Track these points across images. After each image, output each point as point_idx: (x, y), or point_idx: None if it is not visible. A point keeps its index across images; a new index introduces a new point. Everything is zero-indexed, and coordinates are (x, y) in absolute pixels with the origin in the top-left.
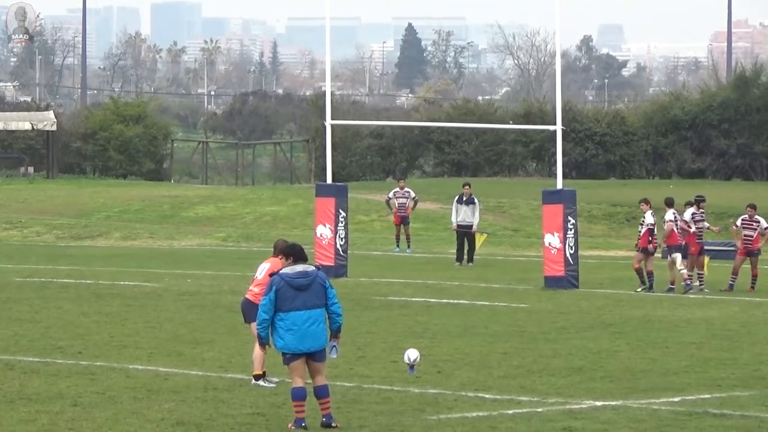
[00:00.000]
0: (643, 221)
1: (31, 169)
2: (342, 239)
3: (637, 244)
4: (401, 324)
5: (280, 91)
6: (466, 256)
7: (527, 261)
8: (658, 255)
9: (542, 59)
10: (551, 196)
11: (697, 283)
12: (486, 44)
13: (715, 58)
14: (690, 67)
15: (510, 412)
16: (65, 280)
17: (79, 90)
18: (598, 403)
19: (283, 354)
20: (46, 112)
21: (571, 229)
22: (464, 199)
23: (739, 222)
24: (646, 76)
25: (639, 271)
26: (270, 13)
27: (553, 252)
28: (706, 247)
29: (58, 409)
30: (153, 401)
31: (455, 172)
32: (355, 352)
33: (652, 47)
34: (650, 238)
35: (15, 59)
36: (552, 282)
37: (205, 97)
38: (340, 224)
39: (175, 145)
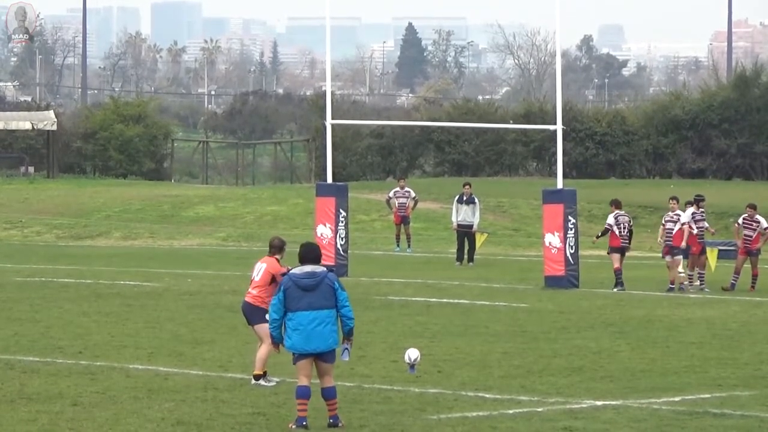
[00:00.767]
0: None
1: (31, 169)
2: (342, 239)
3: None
4: (401, 323)
5: (281, 90)
6: (466, 256)
7: (527, 261)
8: (657, 254)
9: (542, 59)
10: (551, 196)
11: (698, 283)
12: (486, 44)
13: (715, 58)
14: (690, 66)
15: (510, 411)
16: (65, 280)
17: (80, 90)
18: (599, 403)
19: (292, 353)
20: (46, 112)
21: (571, 229)
22: (464, 198)
23: (740, 221)
24: (646, 76)
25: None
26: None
27: (553, 251)
28: (709, 247)
29: (58, 409)
30: (153, 401)
31: (455, 172)
32: (355, 351)
33: (652, 47)
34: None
35: (15, 59)
36: (552, 281)
37: (206, 96)
38: (340, 224)
39: (175, 144)
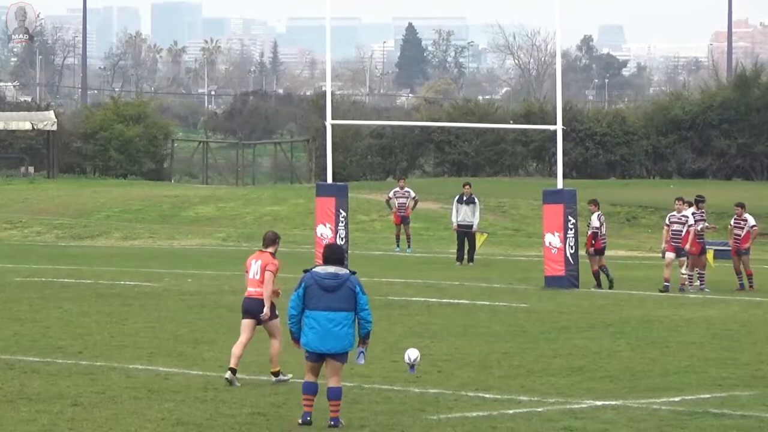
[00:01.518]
0: (590, 223)
1: (31, 169)
2: (342, 239)
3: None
4: (401, 324)
5: (281, 91)
6: (466, 256)
7: (528, 261)
8: (657, 254)
9: (542, 59)
10: (552, 196)
11: (698, 283)
12: (486, 44)
13: (715, 58)
14: (690, 67)
15: (510, 411)
16: (65, 280)
17: (80, 90)
18: (599, 403)
19: (305, 351)
20: (46, 112)
21: (571, 229)
22: (464, 198)
23: (732, 222)
24: (646, 76)
25: (596, 274)
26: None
27: (553, 252)
28: (708, 247)
29: (58, 409)
30: (153, 401)
31: (455, 172)
32: (355, 352)
33: (652, 47)
34: (593, 241)
35: (15, 59)
36: (552, 282)
37: (206, 96)
38: (340, 224)
39: (175, 144)
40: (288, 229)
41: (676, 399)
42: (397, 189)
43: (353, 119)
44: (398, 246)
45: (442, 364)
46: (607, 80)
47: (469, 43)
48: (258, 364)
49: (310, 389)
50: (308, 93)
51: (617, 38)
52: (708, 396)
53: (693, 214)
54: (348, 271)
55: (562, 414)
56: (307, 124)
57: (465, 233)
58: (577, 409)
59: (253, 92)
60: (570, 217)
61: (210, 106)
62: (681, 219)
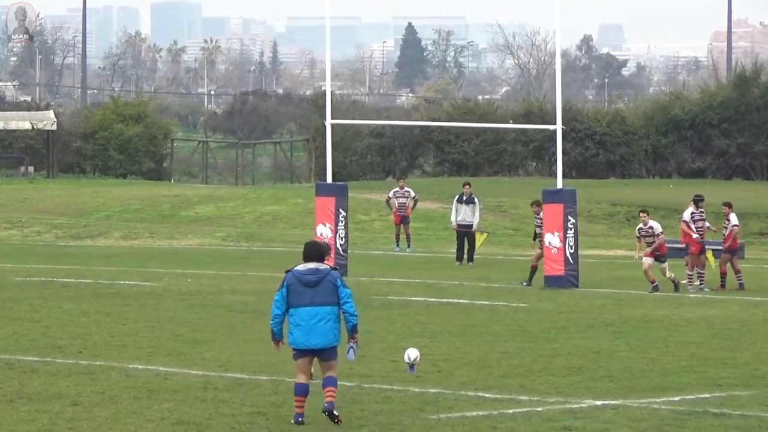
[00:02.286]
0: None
1: (31, 169)
2: (342, 238)
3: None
4: (401, 323)
5: (280, 90)
6: (466, 256)
7: (527, 260)
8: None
9: (542, 59)
10: (551, 196)
11: (697, 283)
12: (486, 44)
13: (715, 58)
14: (690, 66)
15: (510, 411)
16: (65, 280)
17: (79, 89)
18: (598, 403)
19: (293, 349)
20: (46, 112)
21: (571, 229)
22: (464, 198)
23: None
24: (646, 76)
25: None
26: (270, 12)
27: (553, 251)
28: (707, 247)
29: (58, 409)
30: (153, 401)
31: (455, 172)
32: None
33: (652, 47)
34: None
35: (15, 59)
36: (552, 281)
37: (205, 96)
38: (340, 224)
39: (175, 144)
40: (288, 228)
41: (676, 399)
42: (397, 189)
43: (353, 119)
44: (398, 245)
45: (441, 363)
46: (606, 80)
47: (468, 42)
48: (257, 363)
49: (301, 390)
50: (308, 93)
51: (617, 38)
52: (708, 396)
53: (692, 213)
54: (328, 267)
55: (562, 413)
56: (307, 124)
57: (465, 233)
58: (577, 409)
59: (252, 92)
60: (570, 217)
61: (210, 105)
62: (648, 231)
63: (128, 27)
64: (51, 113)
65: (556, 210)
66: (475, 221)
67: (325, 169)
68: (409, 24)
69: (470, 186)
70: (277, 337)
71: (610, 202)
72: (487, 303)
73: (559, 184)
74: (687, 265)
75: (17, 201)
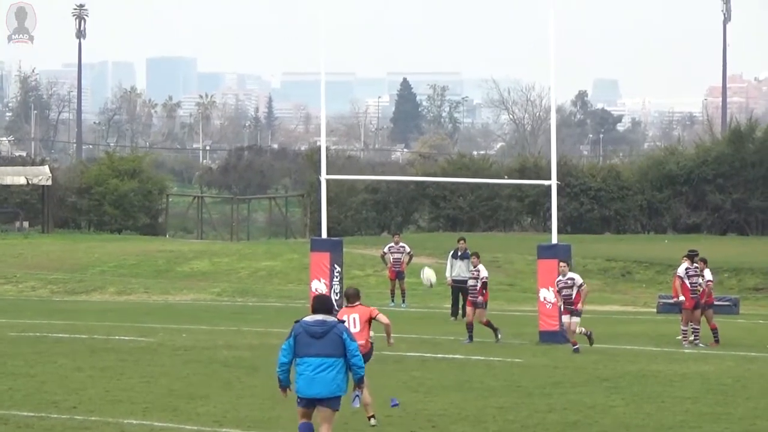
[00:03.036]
0: (478, 275)
1: (26, 224)
2: (337, 294)
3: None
4: (396, 378)
5: (276, 145)
6: (461, 311)
7: (522, 316)
8: (652, 309)
9: (537, 114)
10: (546, 251)
11: (692, 338)
12: (481, 99)
13: (710, 113)
14: (685, 121)
15: None
16: (60, 335)
17: (75, 145)
18: None
19: (297, 397)
20: (41, 167)
21: None
22: (459, 253)
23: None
24: (641, 131)
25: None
26: (265, 68)
27: (548, 306)
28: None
29: None
30: None
31: (450, 227)
32: (349, 406)
33: (647, 102)
34: (484, 291)
35: (10, 114)
36: (547, 337)
37: (201, 151)
38: (335, 279)
39: (170, 199)
40: (283, 284)
41: None
42: (392, 244)
43: (348, 174)
44: (393, 301)
45: (437, 419)
46: (601, 135)
47: (463, 98)
48: (253, 419)
49: (306, 428)
50: (303, 148)
51: (612, 93)
52: None
53: (687, 269)
54: (336, 319)
55: None
56: (302, 179)
57: (459, 288)
58: None
59: (247, 147)
60: None
61: (205, 160)
62: (567, 282)
63: (123, 82)
64: (46, 168)
65: (551, 265)
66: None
67: (320, 224)
68: (404, 79)
69: (465, 241)
70: (284, 384)
71: (605, 258)
72: (482, 358)
73: (554, 240)
74: (681, 320)
75: (12, 256)
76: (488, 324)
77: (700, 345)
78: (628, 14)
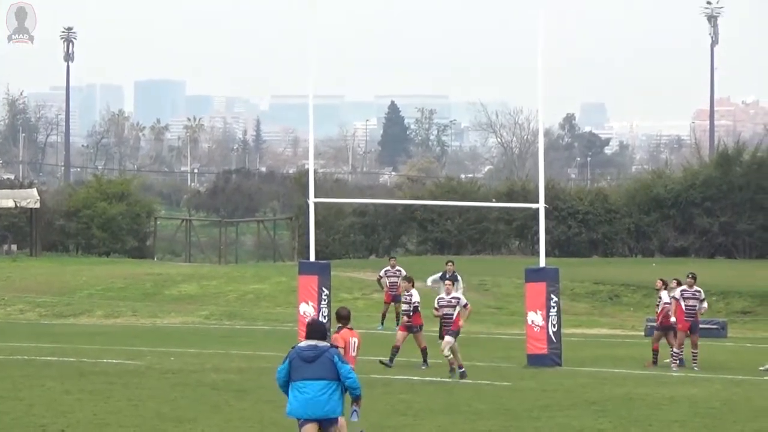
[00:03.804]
0: (410, 299)
1: (14, 247)
2: (325, 317)
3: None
4: (384, 402)
5: (264, 168)
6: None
7: (510, 339)
8: (640, 332)
9: (525, 137)
10: (534, 274)
11: (669, 360)
12: (469, 122)
13: (697, 136)
14: (672, 145)
15: None
16: (48, 358)
17: (63, 168)
18: None
19: (297, 420)
20: (29, 190)
21: (554, 307)
22: (447, 276)
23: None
24: (628, 154)
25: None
26: (253, 91)
27: (536, 330)
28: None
29: None
30: None
31: (438, 250)
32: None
33: (634, 125)
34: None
35: None
36: (535, 360)
37: (189, 174)
38: (323, 302)
39: (158, 222)
40: (271, 307)
41: None
42: (388, 268)
43: (336, 197)
44: (382, 324)
45: None
46: (589, 158)
47: (451, 121)
48: None
49: None
50: (291, 171)
51: (600, 116)
52: None
53: (683, 291)
54: (328, 344)
55: None
56: (290, 202)
57: None
58: None
59: (236, 170)
60: (552, 296)
61: (193, 184)
62: (451, 301)
63: (111, 105)
64: (34, 191)
65: (539, 288)
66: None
67: (308, 247)
68: (392, 102)
69: (453, 264)
70: (282, 384)
71: (593, 281)
72: (470, 382)
73: (542, 263)
74: (674, 343)
75: (0, 279)
76: (424, 350)
77: (695, 368)
78: (616, 37)
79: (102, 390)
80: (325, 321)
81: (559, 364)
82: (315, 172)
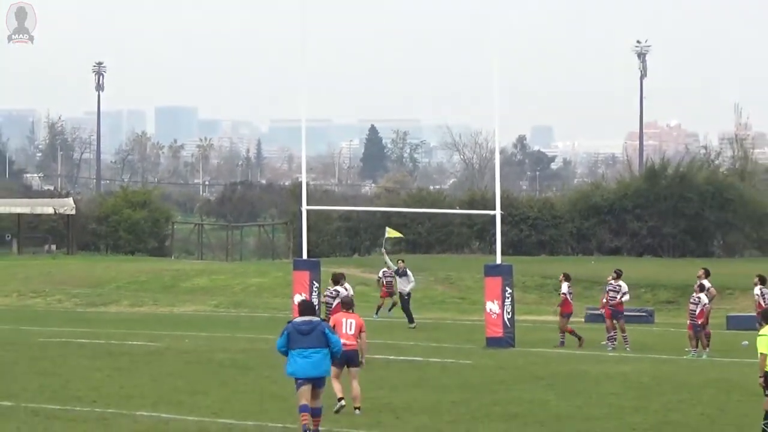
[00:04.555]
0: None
1: (53, 247)
2: (315, 305)
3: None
4: (365, 378)
5: (264, 181)
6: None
7: (472, 324)
8: (580, 319)
9: (484, 155)
10: (492, 270)
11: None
12: (436, 142)
13: (629, 154)
14: (608, 161)
15: None
16: (82, 340)
17: (95, 180)
18: None
19: (296, 380)
20: (66, 199)
21: (508, 298)
22: (399, 271)
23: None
24: (571, 169)
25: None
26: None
27: (493, 317)
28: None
29: None
30: None
31: (411, 250)
32: (325, 402)
33: (576, 145)
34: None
35: (40, 154)
36: (493, 342)
37: (201, 186)
38: (313, 293)
39: (175, 226)
40: (270, 297)
41: None
42: (386, 269)
43: (325, 205)
44: (377, 314)
45: (400, 411)
46: (538, 173)
47: (422, 141)
48: (246, 411)
49: (305, 409)
50: (287, 183)
51: (547, 137)
52: None
53: (607, 284)
54: (319, 319)
55: None
56: (286, 209)
57: (402, 300)
58: None
59: (240, 182)
60: (507, 288)
61: (204, 194)
62: (332, 293)
63: (136, 127)
64: (70, 200)
65: (496, 282)
66: (409, 287)
67: (301, 247)
68: (372, 125)
69: (404, 262)
70: (282, 352)
71: (541, 275)
72: (438, 360)
73: (498, 261)
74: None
75: (41, 274)
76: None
77: (609, 348)
78: (562, 71)
79: (127, 367)
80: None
81: (513, 346)
82: (307, 184)
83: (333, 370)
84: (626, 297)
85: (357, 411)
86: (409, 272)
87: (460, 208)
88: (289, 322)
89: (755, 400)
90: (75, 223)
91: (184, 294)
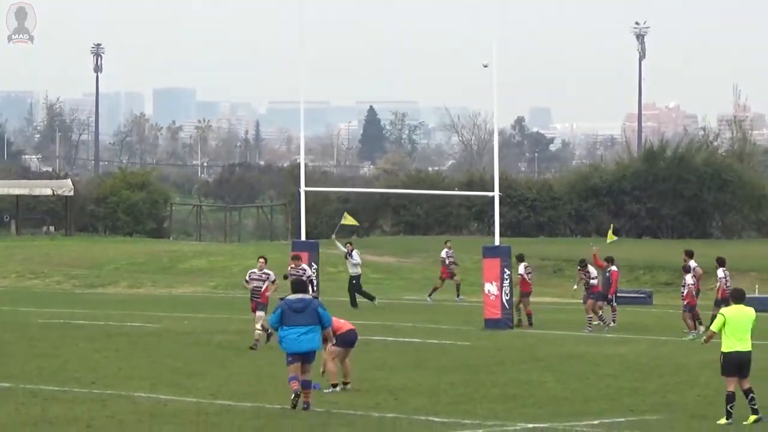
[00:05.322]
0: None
1: (52, 228)
2: (314, 288)
3: None
4: (363, 359)
5: (262, 162)
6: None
7: (470, 306)
8: (579, 301)
9: (482, 136)
10: (490, 252)
11: (596, 322)
12: (435, 123)
13: (627, 136)
14: (607, 143)
15: None
16: (80, 322)
17: (93, 161)
18: (530, 425)
19: (287, 355)
20: (64, 180)
21: (506, 279)
22: (348, 252)
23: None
24: (569, 151)
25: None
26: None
27: (491, 298)
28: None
29: (74, 431)
30: (155, 424)
31: (409, 231)
32: (324, 383)
33: (575, 126)
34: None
35: (39, 135)
36: (491, 323)
37: (199, 167)
38: (312, 274)
39: (173, 208)
40: None
41: (595, 422)
42: (447, 250)
43: (323, 187)
44: (430, 297)
45: (398, 392)
46: (536, 154)
47: (420, 122)
48: (242, 393)
49: (296, 378)
50: (285, 164)
51: (545, 119)
52: (622, 420)
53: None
54: (311, 297)
55: None
56: (285, 191)
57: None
58: (512, 431)
59: (238, 164)
60: (505, 269)
61: (203, 175)
62: (261, 276)
63: (134, 109)
64: (69, 181)
65: (495, 263)
66: (353, 270)
67: (299, 228)
68: (371, 107)
69: (352, 245)
70: (274, 327)
71: (540, 257)
72: (436, 342)
73: (497, 242)
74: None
75: (40, 255)
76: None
77: (587, 330)
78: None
79: (126, 348)
80: (314, 291)
81: (511, 327)
82: (305, 165)
83: (337, 351)
84: (594, 281)
85: (347, 386)
86: (354, 254)
87: (459, 190)
88: (281, 299)
89: (752, 382)
90: (73, 204)
91: (183, 275)
